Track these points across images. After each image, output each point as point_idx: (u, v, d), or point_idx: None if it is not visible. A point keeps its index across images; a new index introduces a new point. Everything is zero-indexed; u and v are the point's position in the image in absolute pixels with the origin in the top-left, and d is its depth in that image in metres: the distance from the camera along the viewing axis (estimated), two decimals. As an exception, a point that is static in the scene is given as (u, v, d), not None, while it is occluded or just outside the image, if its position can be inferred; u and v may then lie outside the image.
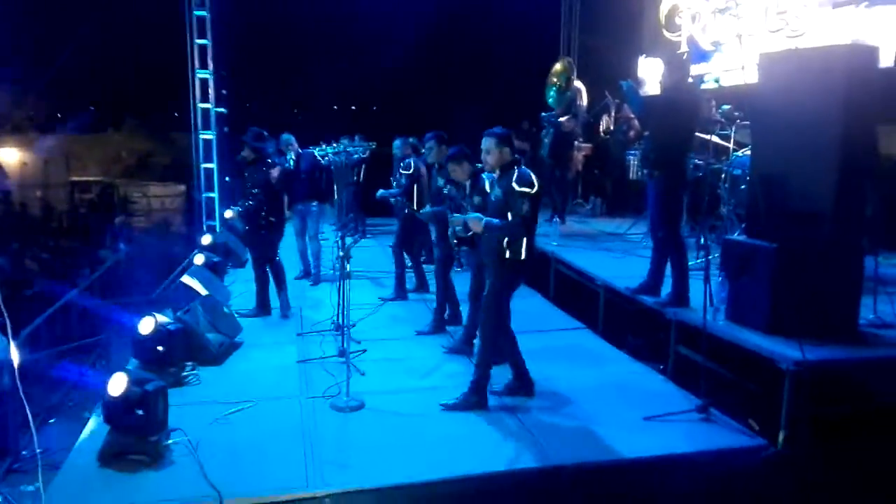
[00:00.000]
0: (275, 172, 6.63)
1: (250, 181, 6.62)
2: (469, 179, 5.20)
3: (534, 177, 4.45)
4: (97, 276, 7.86)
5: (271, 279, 6.87)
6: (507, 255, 4.45)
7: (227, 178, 9.94)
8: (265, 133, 6.95)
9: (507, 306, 4.68)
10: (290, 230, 7.72)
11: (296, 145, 8.55)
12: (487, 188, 4.69)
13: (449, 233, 5.55)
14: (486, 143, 4.53)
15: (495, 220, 4.44)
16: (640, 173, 8.99)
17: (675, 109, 5.33)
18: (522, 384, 4.87)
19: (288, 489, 3.67)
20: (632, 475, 4.01)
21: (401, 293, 7.40)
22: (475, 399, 4.64)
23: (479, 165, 4.94)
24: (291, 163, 8.00)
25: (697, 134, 6.34)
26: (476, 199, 4.89)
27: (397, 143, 8.50)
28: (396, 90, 16.06)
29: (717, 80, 7.45)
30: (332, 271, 7.74)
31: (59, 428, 5.48)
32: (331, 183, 10.29)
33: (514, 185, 4.38)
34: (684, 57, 9.58)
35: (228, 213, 6.81)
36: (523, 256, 4.48)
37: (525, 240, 4.46)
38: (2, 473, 4.70)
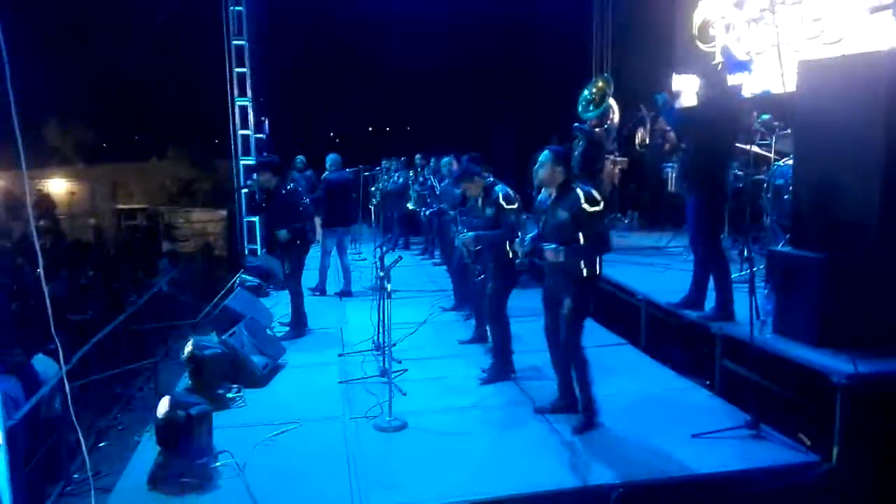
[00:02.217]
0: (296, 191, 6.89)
1: (281, 202, 6.77)
2: (482, 193, 5.55)
3: (596, 192, 4.46)
4: (143, 302, 8.04)
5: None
6: (585, 273, 4.43)
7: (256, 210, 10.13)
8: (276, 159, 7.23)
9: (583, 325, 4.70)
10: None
11: (338, 165, 8.80)
12: (546, 208, 4.61)
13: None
14: (543, 157, 4.56)
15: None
16: (678, 186, 8.90)
17: (712, 122, 5.25)
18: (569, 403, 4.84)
19: (334, 510, 3.69)
20: (682, 494, 3.93)
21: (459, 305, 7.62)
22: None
23: (490, 179, 5.62)
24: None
25: (737, 145, 6.25)
26: (488, 211, 5.43)
27: (446, 160, 8.55)
28: (428, 109, 16.18)
29: (767, 93, 7.33)
30: (370, 291, 7.84)
31: (110, 451, 5.60)
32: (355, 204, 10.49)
33: (584, 206, 4.35)
34: (719, 68, 9.50)
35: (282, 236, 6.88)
36: (598, 272, 4.50)
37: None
38: (55, 497, 4.81)
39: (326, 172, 8.94)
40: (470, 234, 5.51)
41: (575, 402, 4.82)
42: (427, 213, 10.03)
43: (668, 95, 5.63)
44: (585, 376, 4.61)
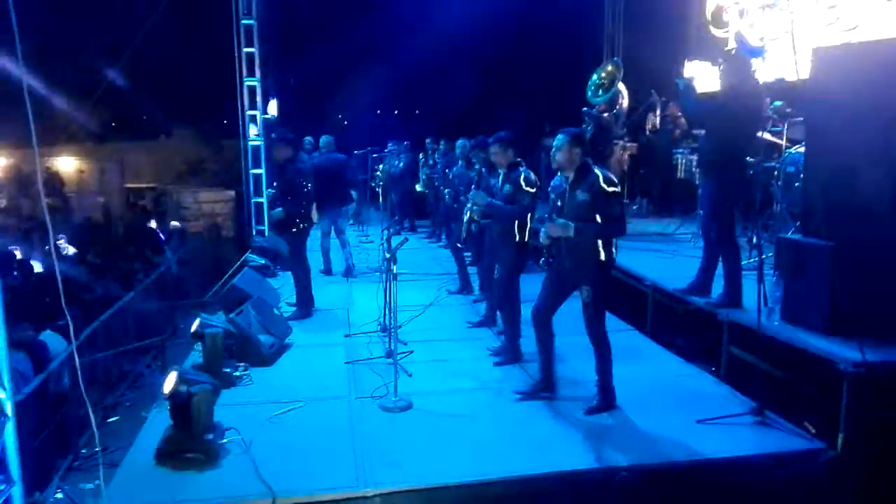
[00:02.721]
0: (302, 172, 6.82)
1: (287, 178, 6.77)
2: (505, 169, 5.46)
3: (613, 175, 4.47)
4: (151, 280, 8.07)
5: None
6: (603, 256, 4.42)
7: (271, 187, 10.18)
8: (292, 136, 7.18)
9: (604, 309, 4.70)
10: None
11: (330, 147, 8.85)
12: (562, 191, 4.57)
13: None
14: (559, 140, 4.53)
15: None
16: (694, 172, 8.86)
17: (735, 110, 5.18)
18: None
19: (339, 488, 3.72)
20: (686, 478, 3.94)
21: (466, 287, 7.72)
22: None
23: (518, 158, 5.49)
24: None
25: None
26: (507, 188, 5.34)
27: (461, 142, 8.51)
28: (437, 93, 16.11)
29: (780, 79, 7.25)
30: (376, 272, 7.87)
31: (118, 427, 5.65)
32: (350, 184, 10.59)
33: (603, 186, 4.33)
34: (733, 54, 9.40)
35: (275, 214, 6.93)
36: (614, 256, 4.50)
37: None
38: (62, 471, 4.86)
39: (317, 154, 9.01)
40: (482, 194, 5.45)
41: (550, 384, 4.89)
42: (435, 195, 10.04)
43: (689, 81, 5.53)
44: (607, 362, 4.63)
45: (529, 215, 5.26)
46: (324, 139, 9.19)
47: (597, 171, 4.41)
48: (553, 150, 4.60)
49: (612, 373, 4.65)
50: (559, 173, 4.62)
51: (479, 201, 5.43)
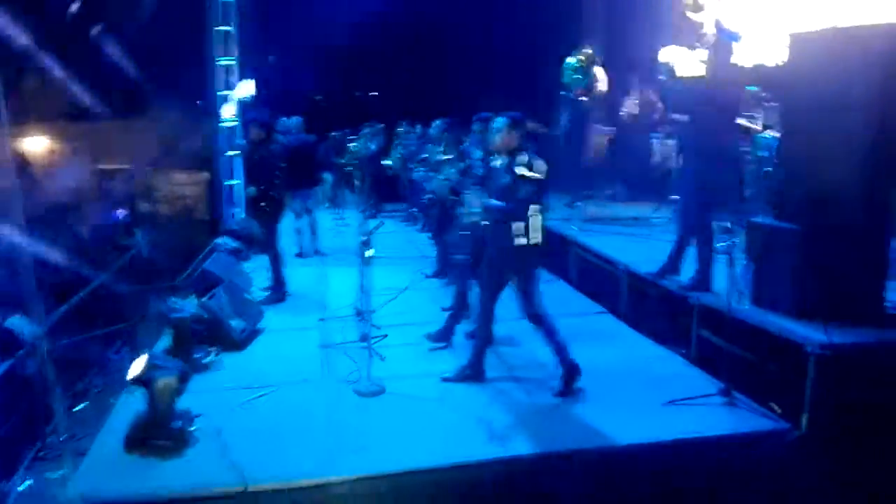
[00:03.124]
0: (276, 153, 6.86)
1: (259, 160, 6.76)
2: (507, 157, 4.77)
3: (542, 163, 4.46)
4: (121, 264, 7.94)
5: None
6: (522, 241, 4.46)
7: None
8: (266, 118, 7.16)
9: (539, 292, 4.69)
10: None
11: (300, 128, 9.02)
12: (497, 172, 4.65)
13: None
14: (499, 123, 4.58)
15: (495, 203, 4.58)
16: (669, 157, 8.89)
17: (713, 96, 5.21)
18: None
19: (311, 474, 3.71)
20: (653, 459, 3.99)
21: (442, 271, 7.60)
22: (473, 372, 4.83)
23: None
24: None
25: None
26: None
27: (438, 123, 8.42)
28: (411, 74, 15.96)
29: (759, 65, 7.28)
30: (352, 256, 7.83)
31: (86, 414, 5.57)
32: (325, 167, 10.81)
33: (520, 168, 4.40)
34: (711, 39, 9.40)
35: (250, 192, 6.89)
36: (541, 240, 4.50)
37: (540, 224, 4.54)
38: (28, 460, 4.79)
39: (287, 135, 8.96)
40: (476, 195, 4.86)
41: (479, 371, 4.94)
42: (410, 179, 9.99)
43: (670, 67, 5.54)
44: (557, 339, 4.67)
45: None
46: (293, 120, 9.21)
47: (526, 155, 4.45)
48: (492, 132, 4.63)
49: (570, 355, 4.69)
50: (496, 155, 4.66)
51: (474, 205, 4.85)
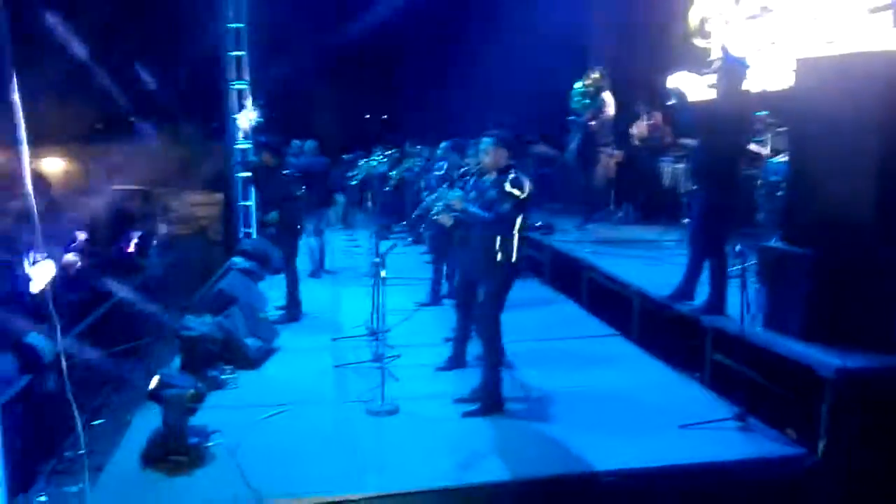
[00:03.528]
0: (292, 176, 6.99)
1: (272, 185, 6.84)
2: (495, 173, 4.71)
3: (527, 183, 4.51)
4: (139, 283, 8.04)
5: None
6: (500, 257, 4.50)
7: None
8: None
9: (502, 308, 4.71)
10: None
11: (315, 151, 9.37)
12: (485, 189, 4.69)
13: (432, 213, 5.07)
14: (485, 143, 4.64)
15: (475, 209, 4.58)
16: (679, 181, 8.95)
17: (725, 120, 5.25)
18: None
19: (325, 492, 3.73)
20: (668, 483, 3.98)
21: (435, 299, 7.51)
22: (492, 405, 4.70)
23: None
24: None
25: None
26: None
27: (443, 145, 8.53)
28: (421, 97, 16.16)
29: (765, 90, 7.38)
30: (366, 276, 7.89)
31: (102, 430, 5.62)
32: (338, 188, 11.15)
33: (505, 185, 4.46)
34: (716, 65, 9.51)
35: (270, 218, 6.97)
36: (514, 259, 4.54)
37: (516, 243, 4.55)
38: (47, 474, 4.83)
39: (303, 157, 9.35)
40: (461, 195, 4.75)
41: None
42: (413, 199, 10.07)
43: (680, 92, 5.61)
44: (496, 364, 4.71)
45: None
46: (309, 143, 9.56)
47: (513, 173, 4.51)
48: (481, 153, 4.69)
49: (501, 382, 4.73)
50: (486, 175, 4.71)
51: (456, 203, 4.73)
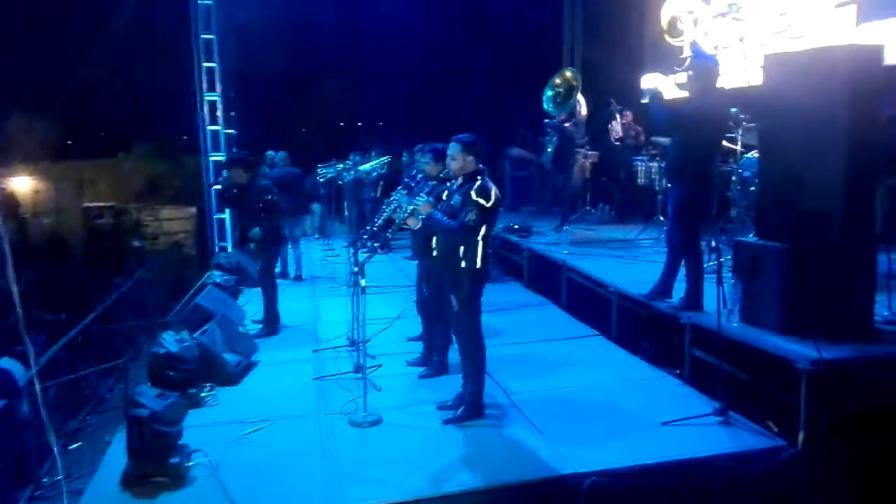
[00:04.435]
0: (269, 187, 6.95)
1: (247, 200, 6.81)
2: (461, 179, 4.65)
3: (494, 191, 4.48)
4: (112, 302, 7.92)
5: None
6: (464, 264, 4.48)
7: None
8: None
9: (478, 314, 4.69)
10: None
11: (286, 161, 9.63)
12: (445, 196, 4.70)
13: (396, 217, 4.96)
14: (452, 148, 4.57)
15: (441, 217, 4.52)
16: (653, 179, 9.02)
17: (700, 118, 5.29)
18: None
19: (310, 506, 3.69)
20: (652, 479, 3.99)
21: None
22: (472, 411, 4.68)
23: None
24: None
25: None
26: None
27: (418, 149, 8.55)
28: (398, 104, 16.15)
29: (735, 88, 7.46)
30: (344, 286, 7.85)
31: (80, 453, 5.52)
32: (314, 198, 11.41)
33: (471, 193, 4.41)
34: (686, 62, 9.61)
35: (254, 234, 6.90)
36: (478, 265, 4.51)
37: (480, 249, 4.49)
38: (24, 501, 4.73)
39: (273, 168, 9.56)
40: (430, 200, 4.64)
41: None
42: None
43: (656, 91, 5.64)
44: (479, 369, 4.69)
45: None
46: (279, 154, 9.75)
47: (480, 180, 4.47)
48: (448, 158, 4.63)
49: (482, 381, 4.73)
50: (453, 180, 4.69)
51: (423, 207, 4.57)
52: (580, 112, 9.63)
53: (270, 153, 10.81)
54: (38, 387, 3.52)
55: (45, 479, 4.95)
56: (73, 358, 6.39)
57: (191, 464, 4.06)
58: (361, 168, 9.98)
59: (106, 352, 7.09)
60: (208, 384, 5.31)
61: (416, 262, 6.71)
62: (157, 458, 3.95)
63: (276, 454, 4.30)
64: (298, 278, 9.37)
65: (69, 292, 8.28)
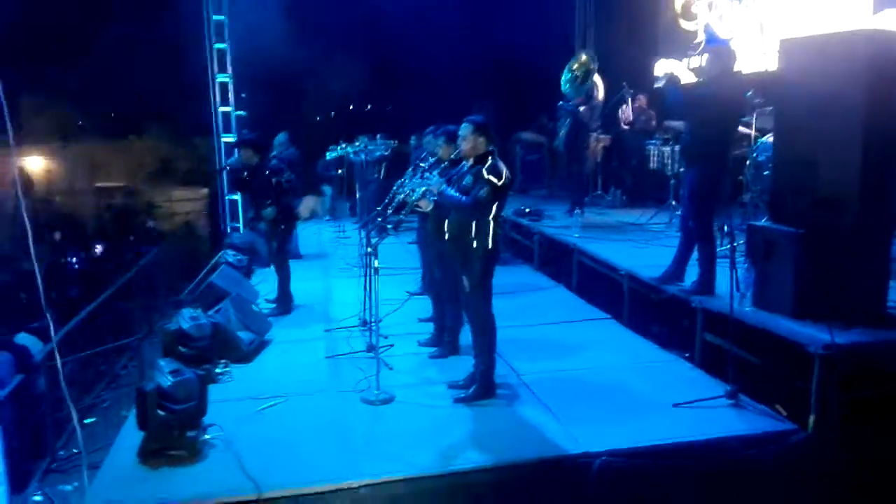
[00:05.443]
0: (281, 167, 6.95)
1: (258, 181, 6.81)
2: (472, 160, 4.67)
3: (505, 171, 4.50)
4: (126, 280, 7.99)
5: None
6: (475, 244, 4.50)
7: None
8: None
9: (490, 294, 4.71)
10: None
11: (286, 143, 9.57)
12: (456, 179, 4.71)
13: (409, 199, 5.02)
14: (464, 129, 4.60)
15: (453, 193, 4.56)
16: (666, 163, 8.99)
17: (716, 101, 5.27)
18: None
19: (324, 480, 3.74)
20: (663, 460, 4.02)
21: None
22: (483, 390, 4.72)
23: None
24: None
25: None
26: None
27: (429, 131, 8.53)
28: (412, 88, 16.08)
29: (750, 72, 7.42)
30: (355, 267, 7.88)
31: (95, 428, 5.60)
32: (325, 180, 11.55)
33: (483, 171, 4.45)
34: (701, 46, 9.55)
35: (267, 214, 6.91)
36: (490, 246, 4.53)
37: (492, 230, 4.52)
38: (40, 474, 4.82)
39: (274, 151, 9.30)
40: (441, 180, 4.70)
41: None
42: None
43: (672, 75, 5.62)
44: (489, 348, 4.71)
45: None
46: (280, 136, 9.70)
47: (491, 160, 4.50)
48: (459, 139, 4.66)
49: (494, 361, 4.76)
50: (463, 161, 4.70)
51: (435, 186, 4.65)
52: (597, 95, 9.57)
53: (282, 135, 10.82)
54: (58, 362, 3.57)
55: (61, 453, 5.04)
56: (87, 335, 6.45)
57: (207, 437, 4.13)
58: (370, 148, 9.98)
59: (120, 330, 7.17)
60: (223, 361, 5.37)
61: (417, 245, 6.77)
62: (168, 432, 4.01)
63: (290, 430, 4.36)
64: (296, 256, 9.32)
65: (82, 271, 8.35)
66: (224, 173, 11.01)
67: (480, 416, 4.51)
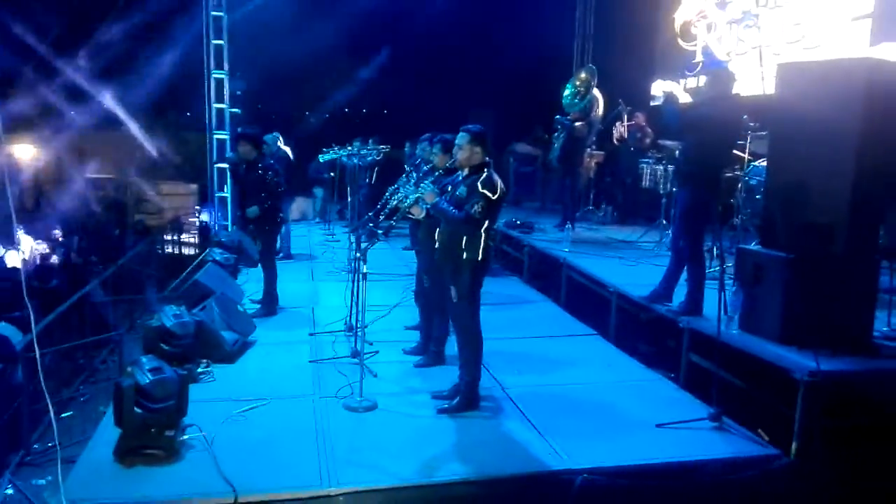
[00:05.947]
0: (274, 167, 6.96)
1: (251, 178, 6.76)
2: (468, 170, 4.65)
3: (500, 184, 4.48)
4: (109, 274, 7.89)
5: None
6: (465, 255, 4.48)
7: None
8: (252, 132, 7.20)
9: (478, 305, 4.69)
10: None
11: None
12: (450, 188, 4.69)
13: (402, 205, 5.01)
14: (460, 138, 4.57)
15: (447, 206, 4.52)
16: (658, 182, 9.02)
17: (712, 123, 5.27)
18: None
19: (302, 487, 3.69)
20: (643, 481, 4.00)
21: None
22: (467, 402, 4.69)
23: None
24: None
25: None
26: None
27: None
28: (408, 95, 16.09)
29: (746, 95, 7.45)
30: (343, 272, 7.84)
31: (72, 422, 5.51)
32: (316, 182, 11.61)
33: (477, 184, 4.42)
34: (699, 67, 9.62)
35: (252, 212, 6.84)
36: (480, 257, 4.51)
37: (482, 242, 4.49)
38: (13, 466, 4.73)
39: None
40: (435, 189, 4.64)
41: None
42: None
43: (671, 94, 5.63)
44: (475, 359, 4.69)
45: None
46: (271, 135, 9.59)
47: (486, 172, 4.48)
48: (455, 148, 4.63)
49: (479, 373, 4.75)
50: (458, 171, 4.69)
51: (428, 196, 4.60)
52: (596, 111, 9.61)
53: (275, 134, 10.77)
54: (37, 353, 3.51)
55: (36, 446, 4.95)
56: (68, 328, 6.36)
57: (185, 437, 4.07)
58: (363, 152, 9.95)
59: (101, 324, 7.07)
60: (204, 360, 5.30)
61: (415, 251, 6.73)
62: (145, 431, 3.94)
63: (270, 433, 4.30)
64: (287, 257, 9.48)
65: (68, 263, 8.25)
66: (215, 168, 10.96)
67: (463, 427, 4.47)
